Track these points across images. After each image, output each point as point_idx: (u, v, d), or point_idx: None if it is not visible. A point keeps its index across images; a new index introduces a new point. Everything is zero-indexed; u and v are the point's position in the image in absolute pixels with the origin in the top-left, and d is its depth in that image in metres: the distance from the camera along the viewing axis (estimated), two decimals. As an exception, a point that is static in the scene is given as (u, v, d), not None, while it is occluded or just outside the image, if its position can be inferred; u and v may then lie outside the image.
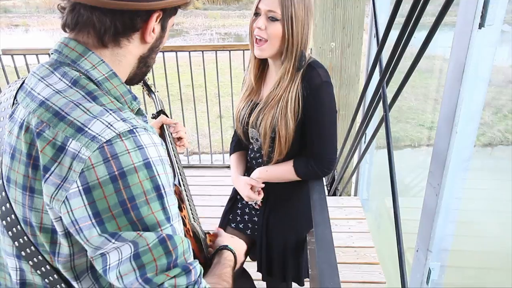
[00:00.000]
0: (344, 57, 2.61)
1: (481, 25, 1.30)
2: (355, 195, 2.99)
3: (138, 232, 0.56)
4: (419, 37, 1.23)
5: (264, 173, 1.29)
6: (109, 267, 0.58)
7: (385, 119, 1.44)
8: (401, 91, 1.42)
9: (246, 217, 1.42)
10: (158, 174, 0.59)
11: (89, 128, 0.57)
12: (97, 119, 0.58)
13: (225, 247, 0.80)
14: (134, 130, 0.59)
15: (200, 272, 0.64)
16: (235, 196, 1.44)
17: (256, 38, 1.14)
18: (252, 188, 1.31)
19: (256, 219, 1.39)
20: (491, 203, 2.60)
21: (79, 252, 0.62)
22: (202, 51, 2.81)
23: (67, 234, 0.60)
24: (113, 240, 0.56)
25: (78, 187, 0.55)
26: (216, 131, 3.92)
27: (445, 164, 1.54)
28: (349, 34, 2.56)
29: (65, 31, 0.66)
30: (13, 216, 0.62)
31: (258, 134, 1.26)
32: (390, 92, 1.57)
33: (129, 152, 0.56)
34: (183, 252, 0.61)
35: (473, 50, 1.33)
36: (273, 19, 1.11)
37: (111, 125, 0.58)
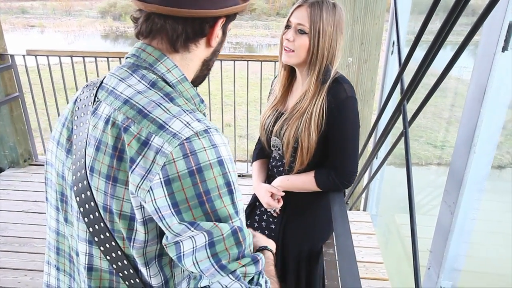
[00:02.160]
0: (361, 72, 2.63)
1: (504, 49, 1.33)
2: (364, 210, 2.99)
3: (214, 222, 0.60)
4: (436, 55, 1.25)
5: (285, 182, 1.31)
6: (183, 254, 0.61)
7: (404, 136, 1.46)
8: (421, 110, 1.44)
9: (263, 223, 1.43)
10: (229, 171, 0.63)
11: (169, 126, 0.62)
12: (177, 118, 0.63)
13: (266, 248, 0.83)
14: (208, 130, 0.63)
15: (264, 264, 0.68)
16: (254, 203, 1.46)
17: (285, 49, 1.19)
18: (272, 195, 1.34)
19: (273, 226, 1.41)
20: (495, 225, 2.60)
21: (152, 240, 0.66)
22: (221, 60, 2.86)
23: (145, 222, 0.64)
24: (192, 228, 0.60)
25: (160, 178, 0.59)
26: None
27: (461, 183, 1.55)
28: (366, 50, 2.59)
29: (138, 38, 0.72)
30: (92, 203, 0.66)
31: (280, 143, 1.29)
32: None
33: (205, 150, 0.61)
34: (250, 244, 0.65)
35: (495, 72, 1.36)
36: (301, 32, 1.16)
37: (189, 124, 0.62)
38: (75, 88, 3.05)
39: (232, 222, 0.62)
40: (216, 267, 0.61)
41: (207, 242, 0.60)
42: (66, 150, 0.72)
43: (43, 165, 1.00)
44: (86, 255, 0.71)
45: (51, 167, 0.76)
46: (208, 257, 0.61)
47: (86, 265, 0.71)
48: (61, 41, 15.59)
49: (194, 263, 0.61)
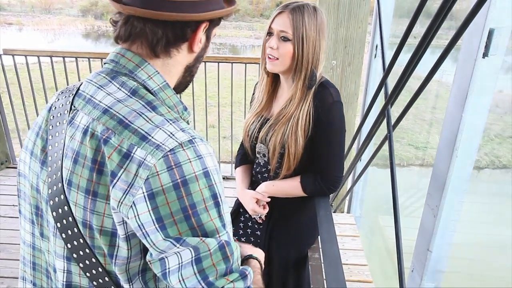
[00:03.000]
0: (345, 75, 2.65)
1: (485, 55, 1.35)
2: (348, 212, 3.01)
3: (200, 238, 0.58)
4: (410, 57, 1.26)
5: (270, 188, 1.30)
6: (168, 271, 0.59)
7: (389, 140, 1.47)
8: (405, 114, 1.46)
9: (248, 230, 1.42)
10: (215, 183, 0.61)
11: (152, 137, 0.59)
12: (160, 129, 0.60)
13: (251, 256, 0.81)
14: (193, 140, 0.61)
15: (252, 278, 0.66)
16: (238, 209, 1.44)
17: (268, 57, 1.18)
18: (257, 201, 1.32)
19: (259, 233, 1.39)
20: (476, 225, 2.66)
21: (135, 256, 0.63)
22: (205, 62, 2.83)
23: (128, 238, 0.61)
24: (177, 245, 0.57)
25: (143, 193, 0.56)
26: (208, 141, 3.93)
27: (444, 186, 1.58)
28: (350, 53, 2.61)
29: (117, 42, 0.68)
30: (70, 218, 0.63)
31: (266, 150, 1.27)
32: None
33: (190, 161, 0.58)
34: (237, 258, 0.63)
35: (476, 78, 1.38)
36: (284, 39, 1.14)
37: (173, 135, 0.60)
38: (55, 88, 2.97)
39: (219, 237, 0.60)
40: (203, 284, 0.59)
41: (193, 258, 0.58)
42: (41, 161, 0.68)
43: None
44: (64, 272, 0.67)
45: (24, 178, 0.72)
46: (195, 274, 0.58)
47: (65, 282, 0.67)
48: (41, 40, 15.24)
49: (180, 280, 0.59)
